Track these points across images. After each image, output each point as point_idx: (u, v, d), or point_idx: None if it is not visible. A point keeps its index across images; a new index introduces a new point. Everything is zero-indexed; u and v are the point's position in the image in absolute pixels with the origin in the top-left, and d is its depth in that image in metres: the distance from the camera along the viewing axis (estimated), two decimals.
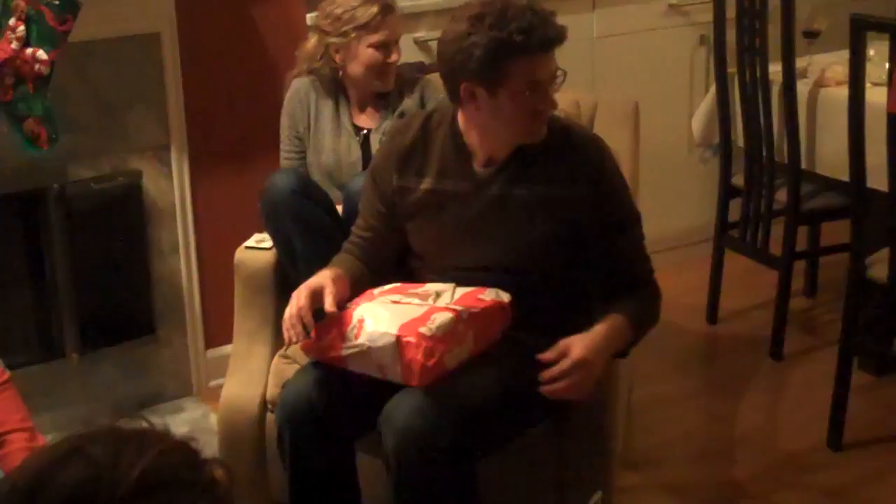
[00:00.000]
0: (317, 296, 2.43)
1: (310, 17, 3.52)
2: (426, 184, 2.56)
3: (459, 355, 2.40)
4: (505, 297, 2.49)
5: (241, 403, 2.82)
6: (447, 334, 2.36)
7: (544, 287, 2.56)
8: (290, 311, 2.42)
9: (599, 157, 2.54)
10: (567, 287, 2.59)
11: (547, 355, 2.37)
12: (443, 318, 2.37)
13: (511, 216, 2.52)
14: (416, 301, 2.45)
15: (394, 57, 3.08)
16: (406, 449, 2.30)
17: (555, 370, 2.36)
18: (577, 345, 2.38)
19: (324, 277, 2.48)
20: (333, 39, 3.08)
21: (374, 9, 3.04)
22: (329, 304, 2.42)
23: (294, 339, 2.42)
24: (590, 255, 2.56)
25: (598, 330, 2.44)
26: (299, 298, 2.42)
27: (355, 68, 3.08)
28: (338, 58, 3.09)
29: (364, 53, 3.06)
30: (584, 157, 2.52)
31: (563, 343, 2.38)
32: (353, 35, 3.05)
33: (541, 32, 2.37)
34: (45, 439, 2.35)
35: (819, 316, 4.21)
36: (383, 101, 3.15)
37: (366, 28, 3.04)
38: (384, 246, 2.65)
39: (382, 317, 2.39)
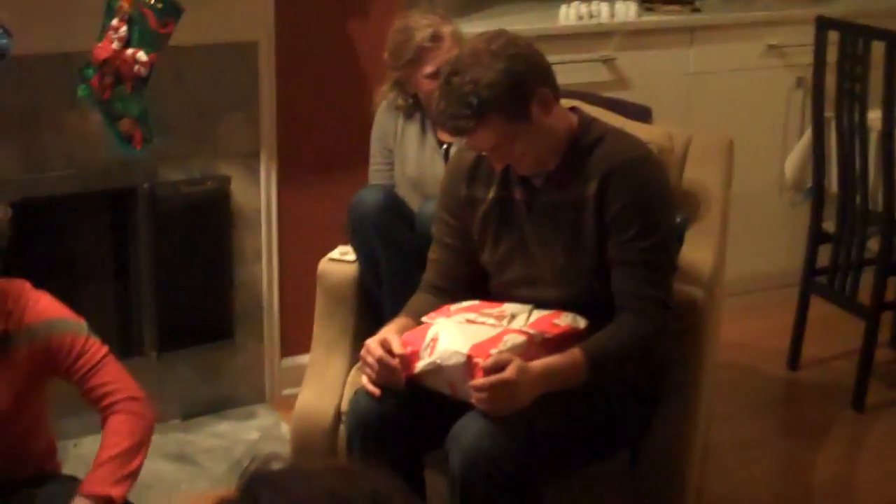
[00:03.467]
0: (385, 344, 2.43)
1: None
2: (492, 193, 2.57)
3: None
4: (581, 322, 2.46)
5: (316, 413, 2.81)
6: (519, 357, 2.33)
7: (596, 298, 2.49)
8: (370, 360, 2.43)
9: (618, 153, 2.47)
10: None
11: (487, 362, 2.31)
12: (515, 340, 2.36)
13: (555, 223, 2.50)
14: (491, 321, 2.43)
15: None
16: (472, 469, 2.27)
17: (480, 381, 2.30)
18: (514, 366, 2.29)
19: (387, 331, 2.48)
20: (395, 74, 3.13)
21: (418, 39, 3.05)
22: (397, 347, 2.42)
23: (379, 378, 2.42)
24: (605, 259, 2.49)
25: (546, 361, 2.35)
26: (372, 351, 2.43)
27: (421, 96, 3.12)
28: (408, 86, 3.14)
29: (422, 83, 3.08)
30: (602, 156, 2.47)
31: (505, 357, 2.31)
32: (407, 69, 3.08)
33: None
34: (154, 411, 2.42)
35: None
36: None
37: (413, 63, 3.06)
38: (459, 264, 2.63)
39: (455, 335, 2.38)
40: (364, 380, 2.46)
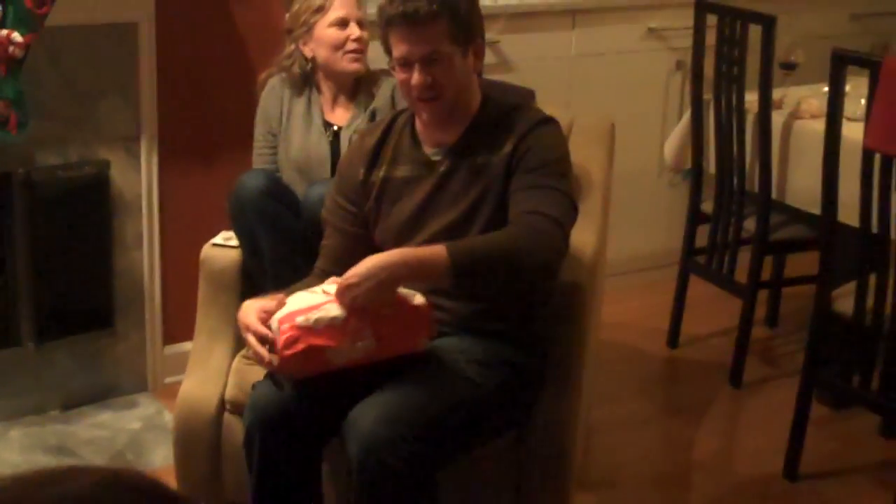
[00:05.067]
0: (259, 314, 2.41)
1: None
2: (382, 172, 2.61)
3: (352, 354, 2.32)
4: (419, 299, 2.38)
5: (199, 402, 2.78)
6: (328, 328, 2.29)
7: None
8: (251, 328, 2.39)
9: (531, 121, 2.55)
10: None
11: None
12: (328, 311, 2.30)
13: (458, 193, 2.54)
14: (325, 289, 2.36)
15: (354, 32, 3.11)
16: (368, 457, 2.27)
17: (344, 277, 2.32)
18: (365, 261, 2.32)
19: (248, 305, 2.46)
20: (298, 32, 3.14)
21: None
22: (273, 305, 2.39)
23: (268, 360, 2.36)
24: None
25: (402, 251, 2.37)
26: (247, 319, 2.39)
27: (322, 52, 3.12)
28: (306, 50, 3.14)
29: (325, 34, 3.11)
30: (517, 125, 2.55)
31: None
32: (311, 20, 3.12)
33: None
34: None
35: (779, 346, 4.22)
36: (355, 98, 3.17)
37: (321, 10, 3.12)
38: (355, 250, 2.58)
39: (290, 304, 2.35)
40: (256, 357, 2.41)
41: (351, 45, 3.11)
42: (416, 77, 2.49)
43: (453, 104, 2.55)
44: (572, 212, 2.48)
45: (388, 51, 2.54)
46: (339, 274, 2.49)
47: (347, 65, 3.12)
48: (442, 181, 2.56)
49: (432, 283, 2.39)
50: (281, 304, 2.37)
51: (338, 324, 2.30)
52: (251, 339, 2.38)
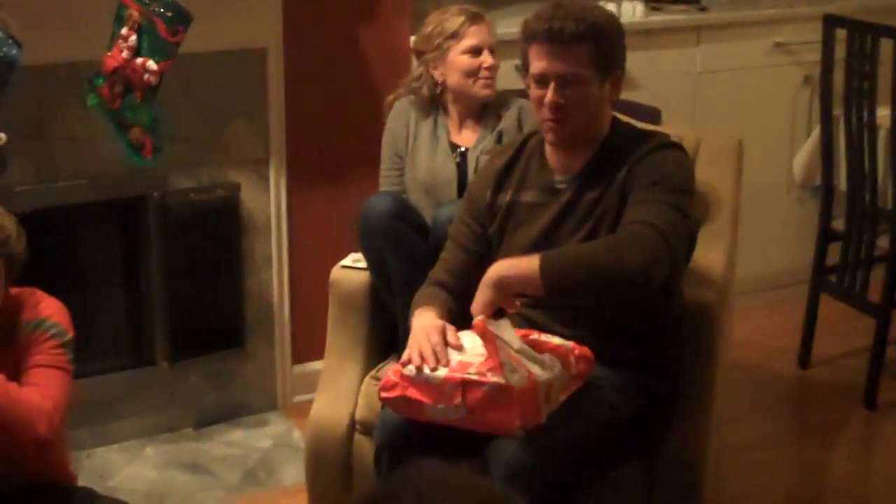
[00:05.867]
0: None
1: (413, 41, 3.54)
2: (508, 196, 2.60)
3: (447, 413, 2.33)
4: (519, 380, 2.28)
5: (331, 422, 2.82)
6: (426, 384, 2.33)
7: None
8: (426, 342, 2.38)
9: (652, 143, 2.53)
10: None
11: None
12: (435, 371, 2.33)
13: (580, 221, 2.52)
14: (480, 352, 2.35)
15: (487, 60, 3.13)
16: (513, 482, 2.25)
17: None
18: (496, 266, 2.40)
19: (439, 321, 2.46)
20: (430, 56, 3.17)
21: (461, 17, 3.16)
22: (453, 339, 2.41)
23: (430, 364, 2.36)
24: None
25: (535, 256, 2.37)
26: (431, 335, 2.39)
27: (453, 78, 3.15)
28: (437, 73, 3.17)
29: (458, 61, 3.14)
30: (638, 150, 2.51)
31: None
32: (445, 46, 3.15)
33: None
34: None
35: None
36: (482, 120, 3.18)
37: (455, 36, 3.14)
38: (473, 268, 2.59)
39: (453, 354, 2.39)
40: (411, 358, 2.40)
41: (484, 73, 3.13)
42: (550, 95, 2.47)
43: (580, 131, 2.53)
44: (681, 224, 2.42)
45: (526, 66, 2.53)
46: (455, 288, 2.58)
47: (479, 91, 3.14)
48: (566, 208, 2.54)
49: (529, 289, 2.36)
50: (456, 347, 2.38)
51: (435, 383, 2.33)
52: (416, 351, 2.38)
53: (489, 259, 2.60)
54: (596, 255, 2.33)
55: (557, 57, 2.46)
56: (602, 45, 2.47)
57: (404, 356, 2.41)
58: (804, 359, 4.08)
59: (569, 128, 2.51)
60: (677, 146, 2.59)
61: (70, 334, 2.35)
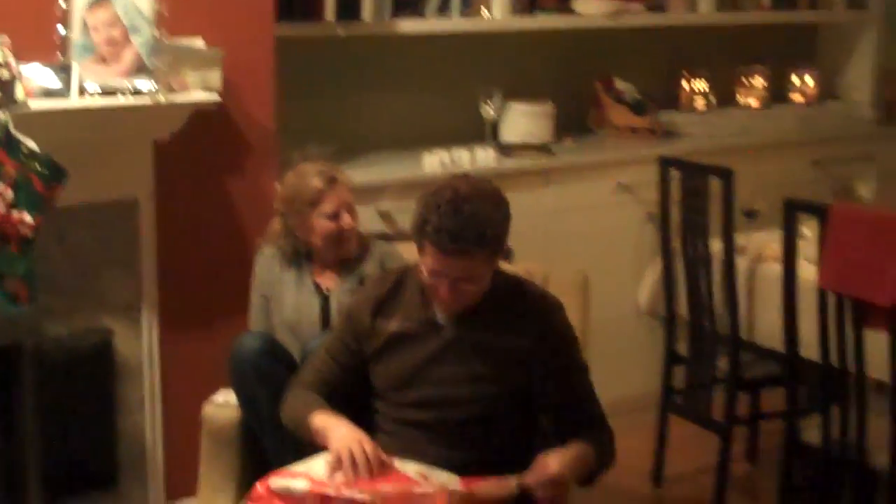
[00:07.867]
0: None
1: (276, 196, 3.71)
2: (393, 325, 2.76)
3: None
4: (428, 488, 2.54)
5: None
6: (289, 498, 2.53)
7: (492, 425, 2.72)
8: (359, 451, 2.58)
9: (547, 311, 2.76)
10: (515, 428, 2.76)
11: (529, 477, 2.56)
12: (299, 484, 2.55)
13: (463, 358, 2.71)
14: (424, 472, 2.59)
15: (346, 221, 3.25)
16: None
17: (533, 481, 2.55)
18: (554, 460, 2.57)
19: (360, 433, 2.65)
20: (290, 219, 3.29)
21: (317, 182, 3.24)
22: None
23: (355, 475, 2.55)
24: (541, 402, 2.75)
25: (571, 449, 2.63)
26: (363, 444, 2.59)
27: (315, 240, 3.27)
28: (298, 233, 3.29)
29: (318, 225, 3.24)
30: (531, 312, 2.74)
31: (541, 458, 2.58)
32: (305, 211, 3.24)
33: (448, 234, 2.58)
34: None
35: (759, 480, 4.34)
36: (345, 266, 3.32)
37: (313, 203, 3.23)
38: (342, 380, 2.83)
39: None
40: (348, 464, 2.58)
41: (343, 236, 3.25)
42: (444, 290, 2.64)
43: (476, 296, 2.70)
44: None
45: (420, 250, 2.64)
46: (322, 394, 2.78)
47: (340, 251, 3.28)
48: (447, 345, 2.73)
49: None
50: (387, 467, 2.59)
51: (297, 495, 2.55)
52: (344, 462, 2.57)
53: (359, 373, 2.79)
54: (609, 461, 2.78)
55: (453, 264, 2.59)
56: (497, 245, 2.64)
57: (333, 458, 2.58)
58: (657, 477, 4.29)
59: (462, 305, 2.70)
60: (560, 304, 2.82)
61: None
